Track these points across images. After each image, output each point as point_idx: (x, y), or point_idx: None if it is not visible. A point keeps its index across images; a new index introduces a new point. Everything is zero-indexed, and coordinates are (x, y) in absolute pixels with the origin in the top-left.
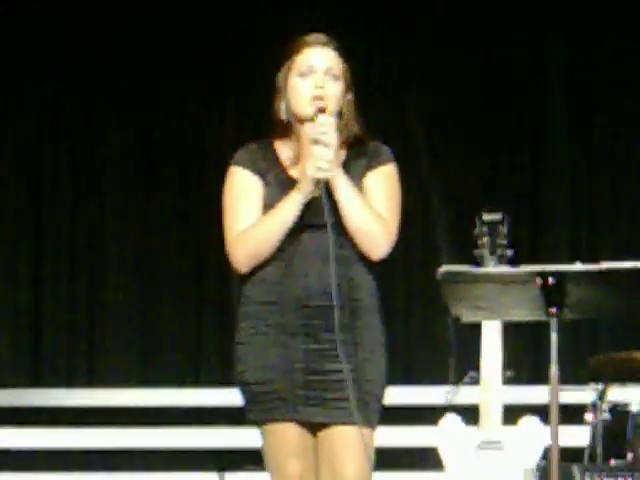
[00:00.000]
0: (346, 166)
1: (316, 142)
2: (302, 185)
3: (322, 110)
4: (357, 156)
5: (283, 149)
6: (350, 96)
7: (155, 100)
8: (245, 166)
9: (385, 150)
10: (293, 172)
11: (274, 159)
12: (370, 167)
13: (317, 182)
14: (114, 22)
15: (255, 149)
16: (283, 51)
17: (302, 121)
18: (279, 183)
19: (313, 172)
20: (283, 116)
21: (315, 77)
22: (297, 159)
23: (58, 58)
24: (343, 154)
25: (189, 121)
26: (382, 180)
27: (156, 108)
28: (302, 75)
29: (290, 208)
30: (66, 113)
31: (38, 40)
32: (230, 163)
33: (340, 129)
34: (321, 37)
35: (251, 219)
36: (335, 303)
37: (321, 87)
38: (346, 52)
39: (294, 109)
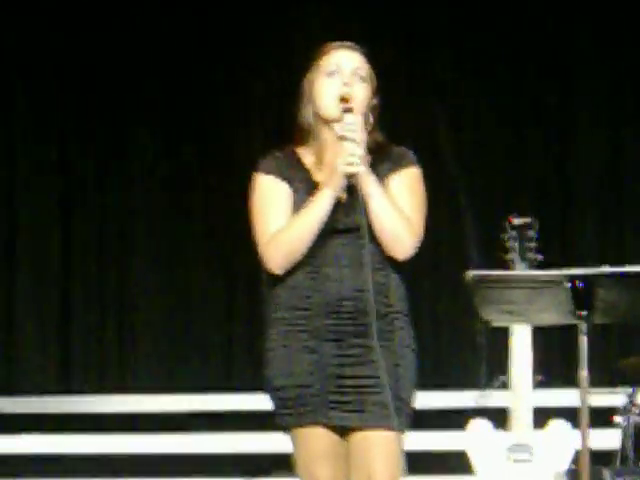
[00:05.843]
0: (370, 170)
1: (344, 139)
2: (333, 181)
3: (348, 110)
4: (381, 160)
5: (306, 155)
6: (375, 101)
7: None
8: (272, 173)
9: (409, 154)
10: (318, 177)
11: (299, 165)
12: (394, 170)
13: (348, 176)
14: (144, 41)
15: (280, 157)
16: (308, 59)
17: (327, 122)
18: (306, 189)
19: (344, 167)
20: (309, 120)
21: (342, 76)
22: (321, 163)
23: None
24: (367, 159)
25: (214, 135)
26: (406, 182)
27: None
28: (329, 75)
29: (322, 204)
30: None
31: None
32: (256, 171)
33: (365, 132)
34: (347, 42)
35: (282, 222)
36: (371, 308)
37: (349, 85)
38: (373, 58)
39: (320, 110)
